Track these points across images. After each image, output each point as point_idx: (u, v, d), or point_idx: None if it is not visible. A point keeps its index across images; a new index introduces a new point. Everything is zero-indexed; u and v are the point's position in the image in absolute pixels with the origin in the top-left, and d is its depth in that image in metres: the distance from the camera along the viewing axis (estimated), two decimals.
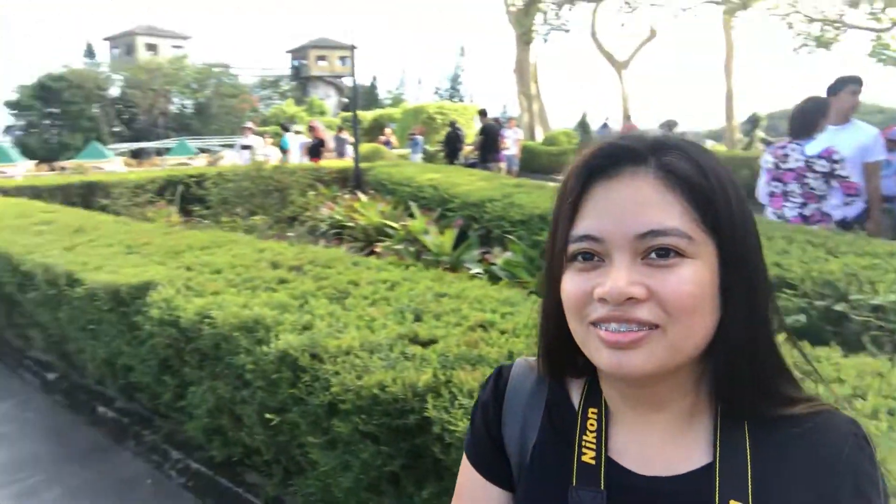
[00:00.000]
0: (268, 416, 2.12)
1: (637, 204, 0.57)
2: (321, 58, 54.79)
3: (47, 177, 12.13)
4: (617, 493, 0.63)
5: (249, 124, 14.35)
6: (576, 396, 0.71)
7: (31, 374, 4.36)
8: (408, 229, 5.92)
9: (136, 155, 27.47)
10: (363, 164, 9.55)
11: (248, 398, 2.25)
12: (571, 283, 0.61)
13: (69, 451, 3.33)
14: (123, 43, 52.76)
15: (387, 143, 19.32)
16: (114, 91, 41.06)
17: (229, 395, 2.37)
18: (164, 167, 15.63)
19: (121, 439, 3.38)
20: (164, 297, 2.68)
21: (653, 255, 0.57)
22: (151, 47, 51.21)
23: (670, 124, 9.83)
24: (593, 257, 0.59)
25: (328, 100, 49.77)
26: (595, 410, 0.68)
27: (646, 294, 0.56)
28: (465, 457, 0.77)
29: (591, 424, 0.67)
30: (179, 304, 2.58)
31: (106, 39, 54.02)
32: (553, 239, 0.64)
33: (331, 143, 13.75)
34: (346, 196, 8.00)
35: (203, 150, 25.04)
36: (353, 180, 9.05)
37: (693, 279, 0.56)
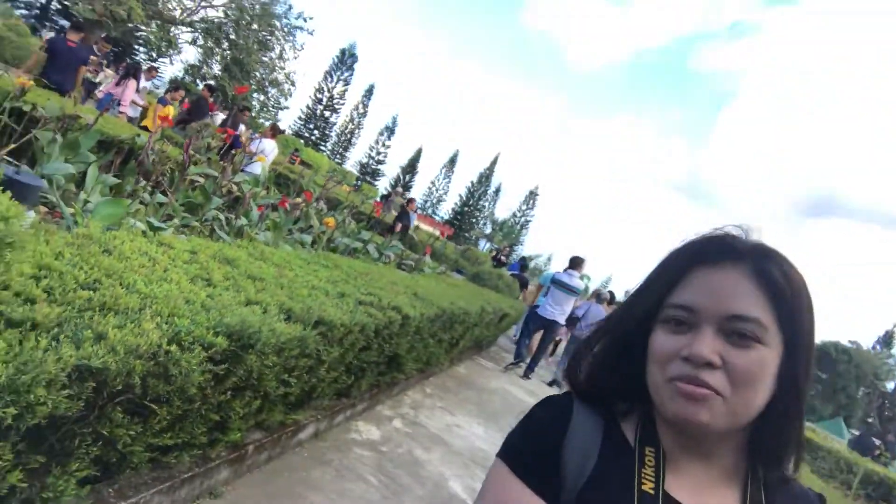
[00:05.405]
0: None
1: (732, 291, 0.71)
2: None
3: None
4: None
5: None
6: (629, 434, 0.79)
7: None
8: None
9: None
10: None
11: None
12: (663, 341, 0.73)
13: None
14: None
15: None
16: (890, 384, 38.65)
17: None
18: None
19: None
20: None
21: (734, 335, 0.69)
22: None
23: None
24: (683, 324, 0.72)
25: None
26: (652, 449, 0.76)
27: (721, 363, 0.69)
28: (502, 466, 0.78)
29: (649, 461, 0.75)
30: None
31: None
32: (640, 297, 0.79)
33: None
34: None
35: None
36: None
37: (761, 362, 0.69)
